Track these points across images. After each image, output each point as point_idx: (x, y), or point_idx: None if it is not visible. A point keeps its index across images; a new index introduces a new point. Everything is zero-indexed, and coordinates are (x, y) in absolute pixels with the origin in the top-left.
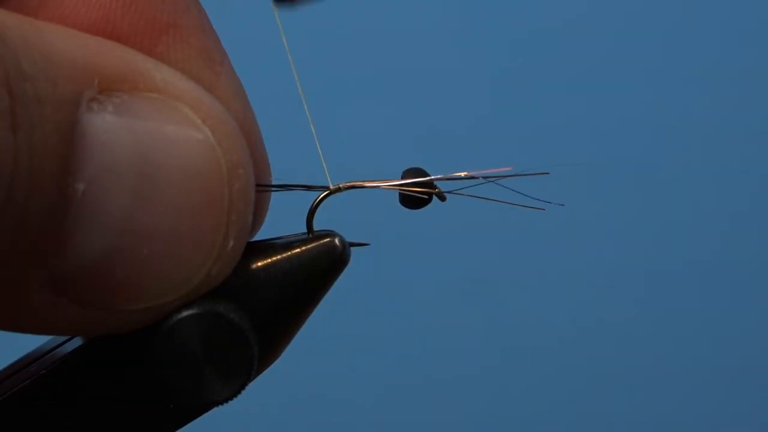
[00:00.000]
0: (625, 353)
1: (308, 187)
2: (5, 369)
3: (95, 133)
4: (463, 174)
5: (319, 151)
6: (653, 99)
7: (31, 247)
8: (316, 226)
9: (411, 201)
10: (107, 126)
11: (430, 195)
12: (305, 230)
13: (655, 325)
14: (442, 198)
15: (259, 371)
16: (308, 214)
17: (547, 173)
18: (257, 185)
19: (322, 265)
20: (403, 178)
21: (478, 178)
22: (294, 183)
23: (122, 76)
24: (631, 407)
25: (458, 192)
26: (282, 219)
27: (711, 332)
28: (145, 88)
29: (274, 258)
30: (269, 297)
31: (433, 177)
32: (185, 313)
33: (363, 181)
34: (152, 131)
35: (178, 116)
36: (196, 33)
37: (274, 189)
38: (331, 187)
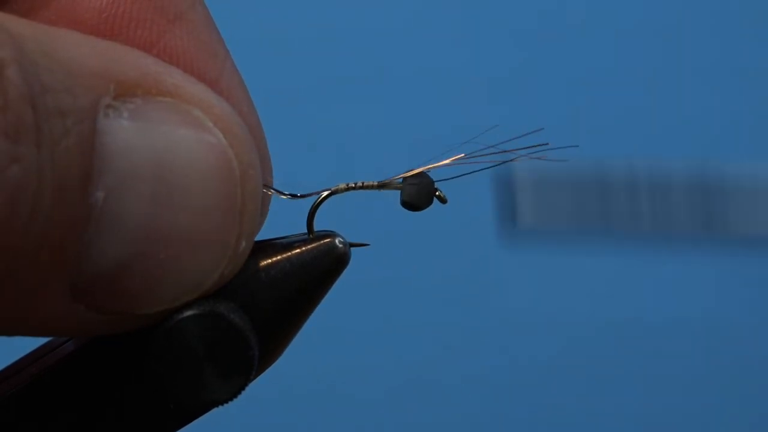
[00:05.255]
0: (625, 355)
1: (298, 196)
2: (5, 369)
3: (112, 140)
4: (459, 156)
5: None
6: (653, 98)
7: (53, 258)
8: (317, 226)
9: (412, 203)
10: (123, 132)
11: (431, 198)
12: (306, 231)
13: (655, 327)
14: (443, 200)
15: (259, 371)
16: (309, 214)
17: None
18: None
19: (323, 265)
20: (404, 182)
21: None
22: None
23: (136, 81)
24: (631, 409)
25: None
26: (283, 219)
27: (711, 333)
28: (157, 93)
29: (275, 258)
30: (270, 297)
31: (429, 166)
32: (186, 314)
33: (363, 183)
34: (166, 135)
35: (191, 119)
36: (202, 27)
37: (275, 193)
38: (332, 188)
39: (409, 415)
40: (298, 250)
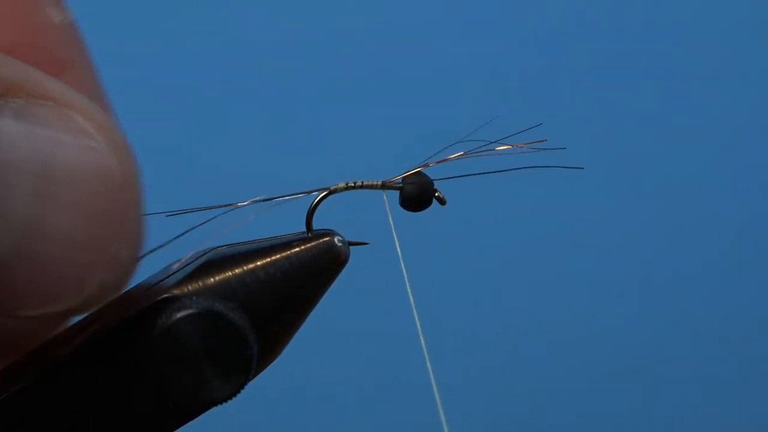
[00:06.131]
0: (626, 355)
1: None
2: (6, 368)
3: None
4: (456, 155)
5: None
6: (657, 101)
7: None
8: (316, 225)
9: (411, 204)
10: (7, 128)
11: (430, 198)
12: (305, 229)
13: (657, 327)
14: (442, 202)
15: (258, 370)
16: (308, 213)
17: (546, 136)
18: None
19: (321, 264)
20: (403, 183)
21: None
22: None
23: (19, 83)
24: (632, 409)
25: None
26: (282, 217)
27: (714, 335)
28: (40, 96)
29: (273, 257)
30: (268, 296)
31: (430, 163)
32: (184, 312)
33: (363, 182)
34: (50, 137)
35: (73, 125)
36: (90, 78)
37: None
38: (331, 187)
39: (410, 415)
40: (296, 249)
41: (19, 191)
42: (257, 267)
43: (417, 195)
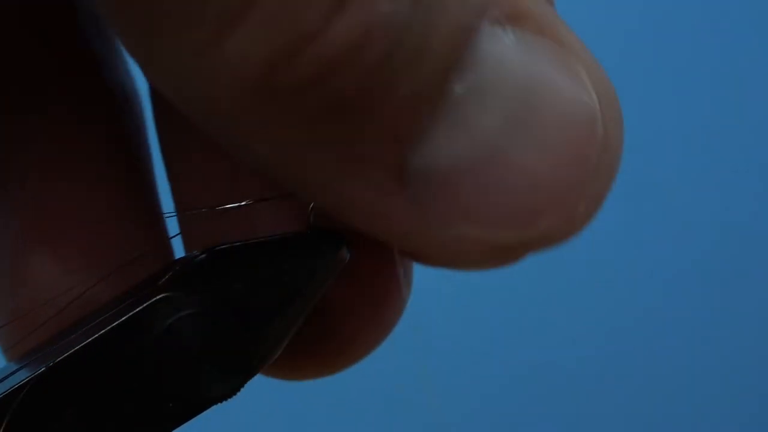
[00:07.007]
0: (628, 357)
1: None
2: (5, 367)
3: (489, 47)
4: None
5: None
6: (655, 99)
7: (382, 128)
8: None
9: None
10: (504, 48)
11: None
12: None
13: (659, 329)
14: None
15: (257, 369)
16: (308, 211)
17: None
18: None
19: (321, 262)
20: None
21: None
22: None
23: (533, 16)
24: (634, 410)
25: None
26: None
27: (715, 335)
28: (550, 36)
29: (272, 255)
30: (267, 294)
31: None
32: (183, 311)
33: None
34: (544, 75)
35: (573, 75)
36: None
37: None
38: None
39: (409, 419)
40: (296, 247)
41: (491, 109)
42: (256, 265)
43: None
